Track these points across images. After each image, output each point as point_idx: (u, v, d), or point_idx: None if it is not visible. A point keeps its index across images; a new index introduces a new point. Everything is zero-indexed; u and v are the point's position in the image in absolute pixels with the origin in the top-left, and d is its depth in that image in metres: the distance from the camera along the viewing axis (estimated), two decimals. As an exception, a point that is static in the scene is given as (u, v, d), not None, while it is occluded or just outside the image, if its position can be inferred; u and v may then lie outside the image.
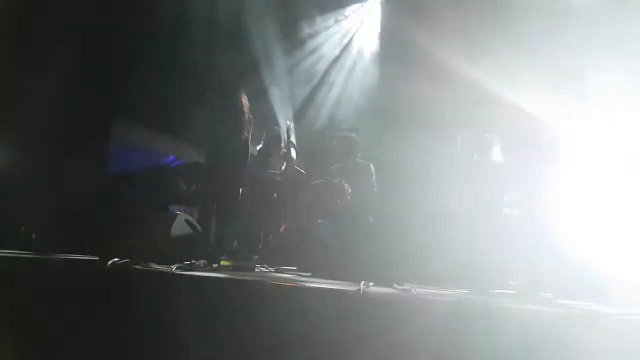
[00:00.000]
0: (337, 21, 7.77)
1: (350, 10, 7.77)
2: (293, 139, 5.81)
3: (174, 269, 3.00)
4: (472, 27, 6.59)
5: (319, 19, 7.64)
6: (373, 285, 2.67)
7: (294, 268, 4.40)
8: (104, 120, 6.13)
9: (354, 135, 5.17)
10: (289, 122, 5.83)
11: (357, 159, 5.07)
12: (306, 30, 7.69)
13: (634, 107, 4.22)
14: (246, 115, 4.79)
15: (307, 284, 2.71)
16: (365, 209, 4.85)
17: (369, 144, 6.25)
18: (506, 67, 6.46)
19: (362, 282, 2.59)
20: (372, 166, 5.04)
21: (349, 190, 4.74)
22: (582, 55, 5.89)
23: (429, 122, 6.29)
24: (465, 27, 6.69)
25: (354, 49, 7.83)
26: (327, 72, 7.68)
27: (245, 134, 4.79)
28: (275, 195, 5.56)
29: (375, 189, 4.98)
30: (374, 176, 5.01)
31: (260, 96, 6.87)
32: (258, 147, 5.78)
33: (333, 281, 3.06)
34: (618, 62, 4.73)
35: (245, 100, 4.84)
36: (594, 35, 5.45)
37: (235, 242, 4.45)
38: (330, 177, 4.95)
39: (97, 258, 3.41)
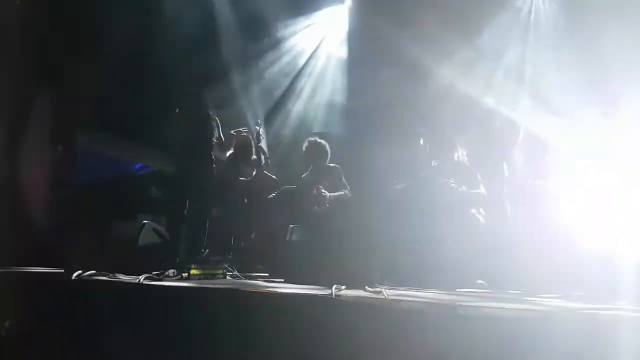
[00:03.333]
0: (306, 25, 7.77)
1: (319, 13, 7.77)
2: (263, 144, 5.78)
3: (142, 280, 2.93)
4: (441, 28, 6.70)
5: (287, 23, 7.63)
6: (345, 289, 2.68)
7: (266, 275, 4.37)
8: (66, 126, 5.97)
9: (322, 139, 5.28)
10: (258, 128, 5.80)
11: (327, 163, 5.14)
12: (275, 34, 7.68)
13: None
14: (211, 121, 4.76)
15: (279, 290, 2.69)
16: (337, 212, 4.91)
17: (339, 148, 6.30)
18: (474, 69, 6.62)
19: (334, 286, 2.59)
20: (339, 168, 5.13)
21: (328, 196, 4.83)
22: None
23: (399, 125, 6.36)
24: (434, 29, 6.80)
25: (323, 52, 7.84)
26: (296, 76, 7.67)
27: (211, 139, 4.76)
28: (245, 201, 5.52)
29: (347, 191, 5.06)
30: (343, 178, 5.09)
31: (229, 101, 6.82)
32: (228, 153, 5.73)
33: (305, 286, 3.05)
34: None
35: (210, 105, 4.81)
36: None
37: (205, 250, 4.39)
38: (303, 184, 5.00)
39: (62, 270, 3.31)
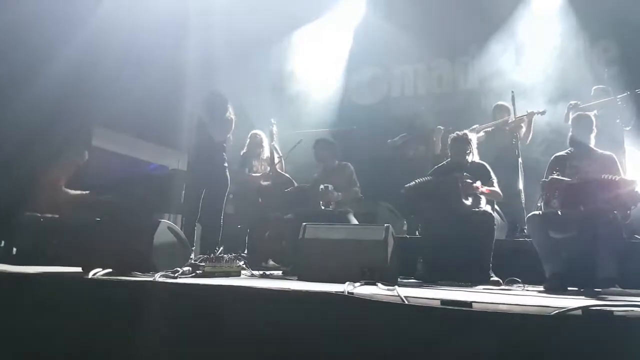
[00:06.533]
0: (318, 21, 7.73)
1: (332, 9, 7.70)
2: (276, 142, 5.79)
3: (157, 277, 2.96)
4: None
5: (301, 19, 7.60)
6: (358, 286, 2.68)
7: (280, 272, 4.38)
8: (83, 127, 6.05)
9: (331, 138, 5.33)
10: (271, 126, 5.81)
11: (337, 161, 5.18)
12: (288, 31, 7.67)
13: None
14: (228, 119, 4.77)
15: (293, 288, 2.70)
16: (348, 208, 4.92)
17: (350, 145, 6.31)
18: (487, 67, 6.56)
19: (347, 283, 2.59)
20: (351, 166, 5.16)
21: (339, 196, 4.85)
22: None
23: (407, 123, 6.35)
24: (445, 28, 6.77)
25: (334, 50, 7.78)
26: (308, 73, 7.64)
27: (224, 137, 4.77)
28: (260, 199, 5.54)
29: (358, 187, 5.09)
30: (354, 175, 5.11)
31: (242, 100, 6.83)
32: (242, 152, 5.76)
33: (319, 284, 3.05)
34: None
35: (227, 104, 4.83)
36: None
37: (220, 248, 4.42)
38: (314, 183, 5.04)
39: (80, 269, 3.35)
